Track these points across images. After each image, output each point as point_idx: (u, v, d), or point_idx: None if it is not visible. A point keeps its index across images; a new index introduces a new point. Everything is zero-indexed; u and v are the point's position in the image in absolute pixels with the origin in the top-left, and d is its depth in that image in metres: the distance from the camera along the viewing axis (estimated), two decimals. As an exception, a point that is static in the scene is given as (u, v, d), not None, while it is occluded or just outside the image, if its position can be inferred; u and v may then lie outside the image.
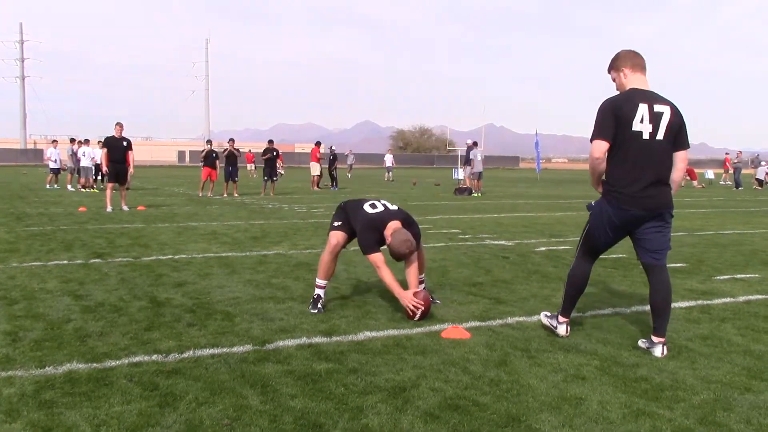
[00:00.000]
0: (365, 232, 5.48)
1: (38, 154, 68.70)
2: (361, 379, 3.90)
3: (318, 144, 26.59)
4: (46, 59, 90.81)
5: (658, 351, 4.45)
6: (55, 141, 27.10)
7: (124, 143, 15.03)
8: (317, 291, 5.61)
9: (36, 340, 4.57)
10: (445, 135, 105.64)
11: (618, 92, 4.51)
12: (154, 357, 4.24)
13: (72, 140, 25.43)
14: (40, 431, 3.15)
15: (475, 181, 23.26)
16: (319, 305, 5.53)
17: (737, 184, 32.29)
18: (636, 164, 4.34)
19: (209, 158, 20.76)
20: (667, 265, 4.74)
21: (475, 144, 24.16)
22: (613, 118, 4.30)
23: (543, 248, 9.38)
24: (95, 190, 22.46)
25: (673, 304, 5.90)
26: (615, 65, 4.54)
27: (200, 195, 20.46)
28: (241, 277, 6.92)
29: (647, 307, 5.77)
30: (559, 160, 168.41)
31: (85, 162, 23.24)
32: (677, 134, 4.39)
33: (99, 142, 22.32)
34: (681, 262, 8.20)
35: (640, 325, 5.18)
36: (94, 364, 4.08)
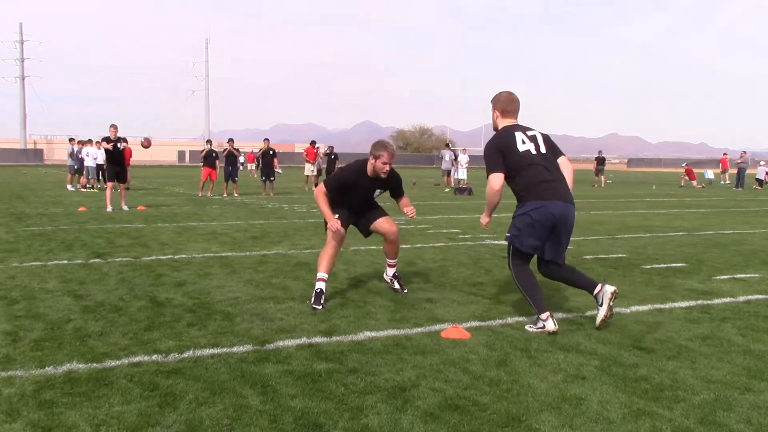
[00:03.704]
0: (339, 170, 6.15)
1: (38, 154, 68.66)
2: (361, 379, 3.90)
3: (312, 144, 26.61)
4: (46, 59, 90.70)
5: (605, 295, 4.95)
6: (90, 141, 24.92)
7: (119, 145, 15.01)
8: (319, 285, 5.70)
9: (36, 340, 4.57)
10: (445, 135, 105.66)
11: (494, 128, 5.36)
12: (154, 357, 4.24)
13: (71, 140, 25.34)
14: (40, 431, 3.15)
15: (445, 177, 27.22)
16: (322, 300, 5.63)
17: (738, 185, 32.21)
18: (536, 174, 5.03)
19: (209, 158, 20.75)
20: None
21: (446, 146, 29.21)
22: (500, 153, 5.09)
23: (543, 248, 9.38)
24: (95, 190, 22.45)
25: (673, 304, 5.92)
26: (493, 105, 5.38)
27: (200, 195, 20.46)
28: (241, 277, 6.93)
29: (647, 307, 5.79)
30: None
31: (88, 162, 23.21)
32: (552, 147, 5.27)
33: (97, 142, 22.24)
34: (681, 262, 8.20)
35: (640, 325, 5.18)
36: (94, 364, 4.08)
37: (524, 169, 5.03)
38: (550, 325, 4.91)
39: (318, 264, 5.82)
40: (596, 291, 5.00)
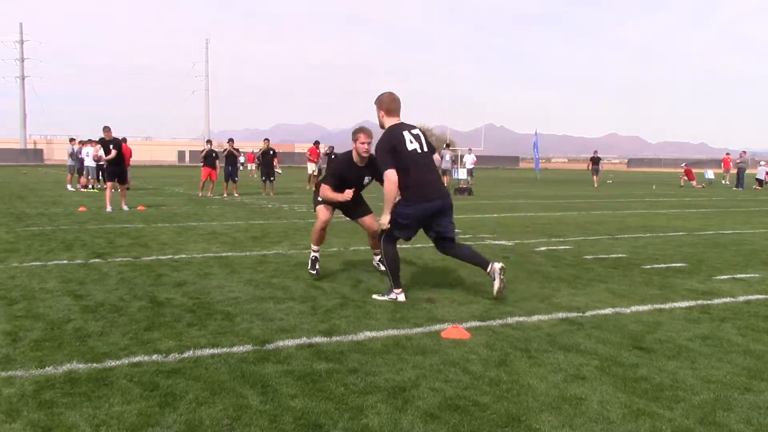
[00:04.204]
0: (330, 167, 6.90)
1: (38, 154, 68.67)
2: (361, 379, 3.90)
3: (316, 143, 26.57)
4: (46, 59, 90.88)
5: (494, 266, 5.90)
6: (90, 140, 24.34)
7: (112, 146, 15.03)
8: (314, 254, 6.83)
9: (36, 340, 4.57)
10: (445, 135, 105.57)
11: (380, 126, 6.06)
12: (154, 357, 4.24)
13: (72, 140, 25.35)
14: (40, 431, 3.15)
15: (444, 177, 27.71)
16: (317, 266, 6.82)
17: (738, 184, 32.15)
18: (420, 173, 5.83)
19: (209, 158, 20.75)
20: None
21: (447, 146, 30.68)
22: (393, 150, 5.77)
23: (543, 248, 9.38)
24: (95, 190, 22.45)
25: (673, 304, 5.92)
26: (378, 105, 6.06)
27: (200, 195, 20.46)
28: (241, 277, 6.93)
29: (647, 307, 5.80)
30: (559, 159, 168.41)
31: (88, 162, 23.23)
32: (429, 145, 6.09)
33: (96, 143, 22.23)
34: (681, 262, 8.19)
35: (640, 325, 5.18)
36: (94, 364, 4.08)
37: (411, 166, 5.80)
38: (401, 298, 5.89)
39: (312, 239, 6.88)
40: (489, 269, 5.91)
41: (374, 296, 6.03)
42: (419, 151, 5.89)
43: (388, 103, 6.00)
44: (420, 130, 6.04)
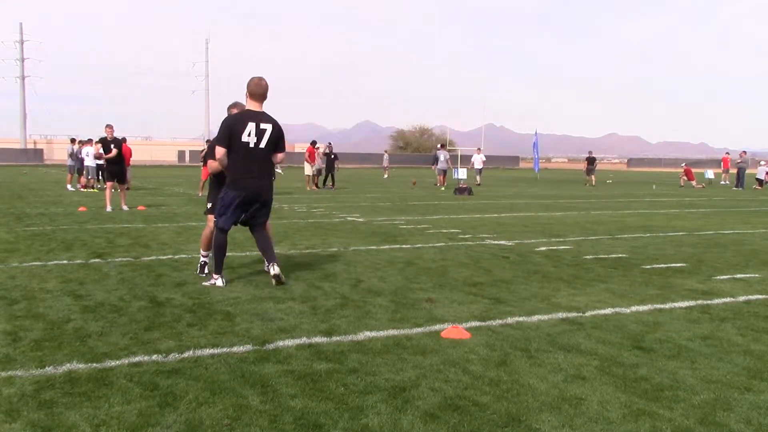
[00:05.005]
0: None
1: (38, 154, 68.66)
2: (361, 379, 3.90)
3: (313, 144, 26.51)
4: (46, 59, 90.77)
5: (274, 269, 6.40)
6: (90, 140, 24.74)
7: (113, 146, 15.03)
8: (203, 260, 7.08)
9: (36, 340, 4.58)
10: (445, 135, 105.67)
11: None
12: (154, 357, 4.24)
13: (72, 140, 25.36)
14: (40, 431, 3.15)
15: (440, 177, 28.04)
16: (206, 270, 6.99)
17: (738, 184, 32.15)
18: (245, 164, 6.27)
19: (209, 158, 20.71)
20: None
21: (442, 146, 30.49)
22: (229, 131, 6.21)
23: (543, 248, 9.38)
24: (95, 190, 22.45)
25: (673, 304, 5.93)
26: (246, 87, 6.34)
27: (200, 195, 20.45)
28: (241, 277, 6.93)
29: (647, 307, 5.80)
30: (559, 159, 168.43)
31: (88, 162, 23.22)
32: (276, 143, 6.42)
33: (96, 143, 22.24)
34: (681, 262, 8.19)
35: (640, 325, 5.18)
36: (94, 364, 4.08)
37: (238, 156, 6.23)
38: (220, 282, 6.38)
39: (201, 245, 7.20)
40: (267, 266, 6.47)
41: (204, 282, 6.53)
42: (252, 145, 6.24)
43: (252, 88, 6.30)
44: (274, 126, 6.31)
